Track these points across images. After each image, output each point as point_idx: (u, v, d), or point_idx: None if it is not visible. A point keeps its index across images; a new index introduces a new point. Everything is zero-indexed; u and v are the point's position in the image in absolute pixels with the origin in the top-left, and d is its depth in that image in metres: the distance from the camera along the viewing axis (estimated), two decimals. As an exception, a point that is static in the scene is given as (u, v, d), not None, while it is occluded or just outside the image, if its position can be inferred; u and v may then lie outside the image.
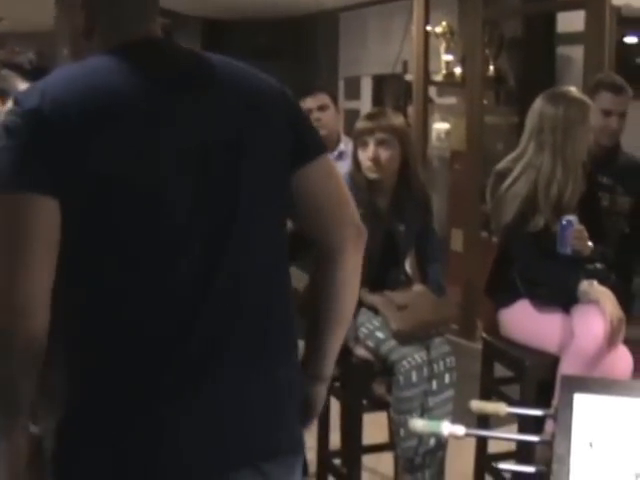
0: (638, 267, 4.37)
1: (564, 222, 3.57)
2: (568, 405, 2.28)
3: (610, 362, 3.46)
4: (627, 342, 3.63)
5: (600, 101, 4.11)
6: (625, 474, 2.05)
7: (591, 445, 2.12)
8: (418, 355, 3.46)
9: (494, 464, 3.80)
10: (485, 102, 6.84)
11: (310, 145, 1.94)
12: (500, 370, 3.90)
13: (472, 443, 3.82)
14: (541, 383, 3.55)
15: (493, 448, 3.87)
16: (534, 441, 2.40)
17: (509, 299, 3.73)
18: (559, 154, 3.62)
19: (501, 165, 3.81)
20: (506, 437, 2.98)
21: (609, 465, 2.07)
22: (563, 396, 2.34)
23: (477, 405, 2.53)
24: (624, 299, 3.86)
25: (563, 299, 3.59)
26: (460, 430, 2.29)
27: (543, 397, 3.42)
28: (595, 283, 3.53)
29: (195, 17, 11.51)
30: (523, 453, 3.37)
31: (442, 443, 3.46)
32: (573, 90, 3.79)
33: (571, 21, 6.86)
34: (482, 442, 3.85)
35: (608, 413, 2.29)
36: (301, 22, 10.35)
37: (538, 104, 3.72)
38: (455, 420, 2.64)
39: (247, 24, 11.17)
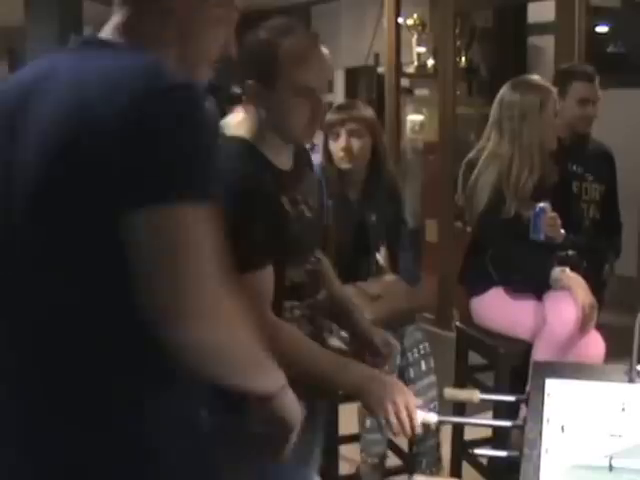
0: (609, 253, 4.42)
1: (537, 209, 3.61)
2: (539, 390, 2.31)
3: (583, 347, 3.51)
4: (599, 327, 3.67)
5: (575, 91, 4.15)
6: (596, 457, 2.07)
7: (563, 429, 2.14)
8: None
9: (470, 450, 3.83)
10: (458, 93, 6.86)
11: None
12: (476, 358, 3.93)
13: (449, 430, 3.86)
14: (515, 370, 3.58)
15: (470, 435, 3.90)
16: (506, 426, 2.43)
17: (482, 287, 3.75)
18: (516, 141, 3.66)
19: (470, 155, 3.84)
20: (478, 423, 3.02)
21: (581, 448, 2.09)
22: (534, 381, 2.36)
23: (450, 393, 2.56)
24: (596, 285, 3.90)
25: (536, 286, 3.63)
26: (433, 418, 2.32)
27: (517, 383, 3.45)
28: (567, 270, 3.57)
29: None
30: (499, 439, 3.40)
31: (431, 430, 3.47)
32: (535, 77, 3.82)
33: (541, 11, 6.90)
34: (458, 429, 3.88)
35: (580, 397, 2.31)
36: (273, 15, 10.34)
37: (500, 93, 3.77)
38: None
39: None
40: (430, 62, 7.43)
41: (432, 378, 3.59)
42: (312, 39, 2.35)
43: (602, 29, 8.36)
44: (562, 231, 3.66)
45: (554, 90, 3.77)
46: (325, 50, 2.44)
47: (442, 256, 6.15)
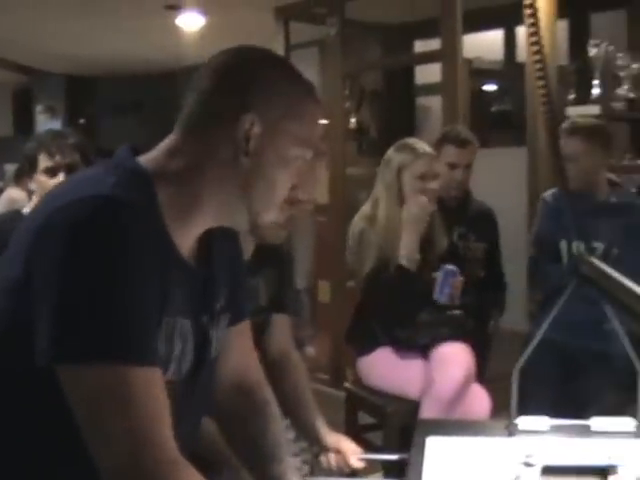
0: (494, 310, 4.51)
1: (446, 271, 3.67)
2: (420, 448, 2.34)
3: (468, 404, 3.56)
4: (487, 382, 3.74)
5: (445, 154, 4.25)
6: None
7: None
8: None
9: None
10: (348, 153, 6.95)
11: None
12: (367, 417, 3.95)
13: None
14: (404, 428, 3.60)
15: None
16: (390, 485, 2.45)
17: (369, 347, 3.79)
18: (394, 197, 3.73)
19: (357, 215, 3.90)
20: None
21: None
22: (416, 439, 2.40)
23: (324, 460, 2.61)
24: (481, 342, 3.98)
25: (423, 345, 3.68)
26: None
27: (408, 442, 3.48)
28: None
29: (58, 74, 11.47)
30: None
31: None
32: (418, 142, 3.88)
33: (428, 73, 7.06)
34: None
35: (461, 453, 2.35)
36: (163, 77, 10.43)
37: (386, 154, 3.85)
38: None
39: (110, 80, 11.19)
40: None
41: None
42: None
43: (488, 88, 8.60)
44: None
45: (435, 155, 3.86)
46: None
47: (334, 316, 6.18)
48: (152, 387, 1.45)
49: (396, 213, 3.72)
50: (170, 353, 1.59)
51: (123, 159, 1.61)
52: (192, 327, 1.65)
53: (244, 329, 1.96)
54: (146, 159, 1.61)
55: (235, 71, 1.63)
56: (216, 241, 1.75)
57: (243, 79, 1.61)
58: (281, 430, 2.04)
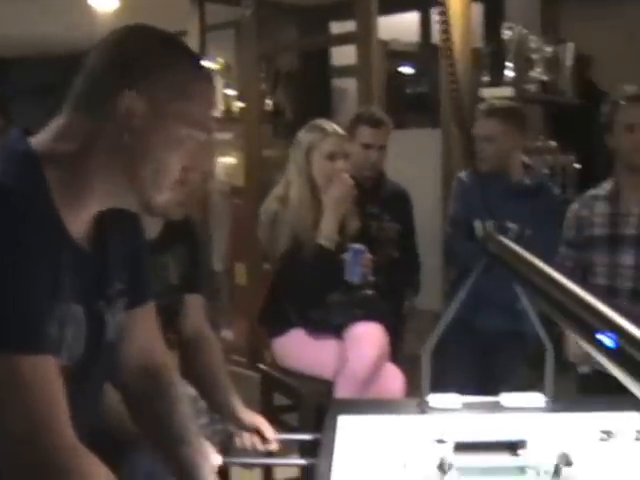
0: (408, 290, 4.54)
1: (354, 251, 3.67)
2: (332, 427, 2.34)
3: (382, 383, 3.58)
4: (402, 361, 3.77)
5: (360, 135, 4.26)
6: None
7: (354, 463, 2.17)
8: None
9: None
10: (265, 135, 6.93)
11: None
12: (283, 399, 3.96)
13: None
14: (320, 409, 3.61)
15: (282, 475, 3.89)
16: (302, 464, 2.46)
17: (283, 328, 3.79)
18: (312, 182, 3.73)
19: (269, 197, 3.89)
20: (265, 463, 3.06)
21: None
22: (328, 419, 2.40)
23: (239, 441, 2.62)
24: (396, 322, 4.00)
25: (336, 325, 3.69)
26: (218, 460, 2.35)
27: (323, 422, 3.49)
28: None
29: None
30: (307, 478, 3.42)
31: None
32: (328, 122, 3.88)
33: (344, 55, 7.05)
34: (268, 471, 3.87)
35: (373, 431, 2.36)
36: (77, 58, 10.27)
37: (297, 136, 3.85)
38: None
39: (26, 62, 11.02)
40: (236, 105, 7.47)
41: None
42: None
43: (404, 70, 8.64)
44: None
45: (345, 134, 3.86)
46: None
47: (251, 299, 6.16)
48: (46, 373, 1.44)
49: (307, 194, 3.72)
50: (62, 338, 1.57)
51: (14, 142, 1.58)
52: (85, 312, 1.63)
53: (149, 311, 1.94)
54: (36, 141, 1.58)
55: (120, 50, 1.61)
56: (113, 222, 1.72)
57: (128, 57, 1.59)
58: (189, 413, 2.03)
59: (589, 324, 1.42)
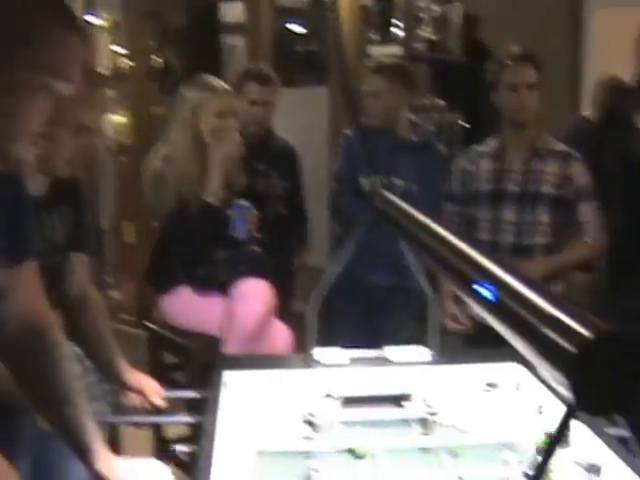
0: (296, 247, 4.56)
1: (239, 207, 3.66)
2: (217, 383, 2.35)
3: (270, 339, 3.59)
4: (290, 317, 3.79)
5: (247, 92, 4.24)
6: (276, 442, 2.13)
7: (240, 419, 2.18)
8: None
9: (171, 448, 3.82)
10: (152, 93, 6.84)
11: None
12: (173, 357, 3.94)
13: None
14: (208, 366, 3.60)
15: (173, 433, 3.88)
16: (189, 422, 2.46)
17: (169, 286, 3.76)
18: (196, 138, 3.70)
19: (152, 154, 3.84)
20: (153, 421, 3.05)
21: (260, 435, 2.14)
22: (214, 375, 2.40)
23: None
24: (284, 279, 4.02)
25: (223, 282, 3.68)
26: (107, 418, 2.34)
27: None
28: None
29: None
30: (197, 435, 3.42)
31: None
32: (214, 79, 3.85)
33: (233, 11, 6.99)
34: (157, 429, 3.86)
35: (262, 387, 2.37)
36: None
37: (179, 93, 3.81)
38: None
39: None
40: (124, 63, 7.35)
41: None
42: None
43: (295, 29, 8.59)
44: None
45: (231, 90, 3.83)
46: None
47: (140, 257, 6.11)
48: None
49: (193, 151, 3.68)
50: None
51: None
52: None
53: (31, 270, 1.90)
54: None
55: None
56: None
57: None
58: (75, 372, 2.01)
59: (468, 276, 1.44)
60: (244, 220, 3.67)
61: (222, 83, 3.79)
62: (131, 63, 6.57)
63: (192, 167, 3.66)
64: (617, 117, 3.82)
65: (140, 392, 2.74)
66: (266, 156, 4.33)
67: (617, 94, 3.96)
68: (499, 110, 3.75)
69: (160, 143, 3.84)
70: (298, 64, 8.29)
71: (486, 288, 1.34)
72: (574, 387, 0.99)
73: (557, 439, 1.10)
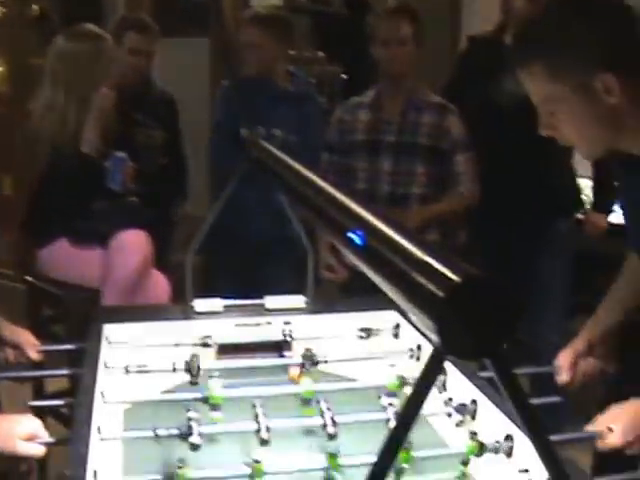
0: (176, 197, 4.54)
1: (115, 159, 3.62)
2: (96, 336, 2.33)
3: (149, 290, 3.59)
4: (169, 267, 3.78)
5: (127, 40, 4.18)
6: (155, 393, 2.13)
7: (120, 371, 2.17)
8: None
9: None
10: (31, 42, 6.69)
11: None
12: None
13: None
14: (87, 318, 3.58)
15: (54, 387, 3.84)
16: (67, 374, 2.45)
17: (47, 238, 3.71)
18: (72, 91, 3.64)
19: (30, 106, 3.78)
20: (31, 375, 3.02)
21: (142, 387, 2.14)
22: (92, 328, 2.39)
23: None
24: (163, 229, 4.00)
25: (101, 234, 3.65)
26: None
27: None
28: None
29: None
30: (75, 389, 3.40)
31: None
32: (89, 26, 3.79)
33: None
34: (39, 384, 3.81)
35: (140, 337, 2.37)
36: None
37: (54, 42, 3.74)
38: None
39: None
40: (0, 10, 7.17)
41: None
42: None
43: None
44: None
45: (109, 38, 3.78)
46: None
47: (18, 210, 6.00)
48: None
49: (69, 103, 3.63)
50: None
51: None
52: None
53: None
54: None
55: None
56: None
57: None
58: None
59: (341, 224, 1.46)
60: (120, 172, 3.63)
61: (100, 31, 3.74)
62: (5, 10, 6.41)
63: (67, 118, 3.60)
64: (476, 68, 3.89)
65: (16, 346, 2.70)
66: (145, 106, 4.28)
67: (479, 46, 4.04)
68: (377, 62, 3.79)
69: (37, 93, 3.77)
70: (180, 15, 8.18)
71: (356, 234, 1.36)
72: (440, 331, 0.99)
73: (423, 382, 1.12)
